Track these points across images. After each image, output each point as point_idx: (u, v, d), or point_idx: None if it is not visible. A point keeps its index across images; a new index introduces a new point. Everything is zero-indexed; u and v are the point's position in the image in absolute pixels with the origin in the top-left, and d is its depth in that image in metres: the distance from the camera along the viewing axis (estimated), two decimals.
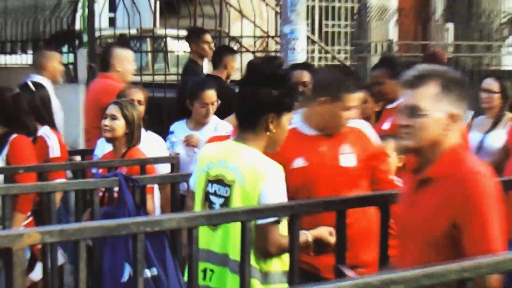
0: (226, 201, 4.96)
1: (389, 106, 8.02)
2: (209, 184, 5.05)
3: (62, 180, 7.39)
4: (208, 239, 4.93)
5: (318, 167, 5.60)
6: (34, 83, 8.22)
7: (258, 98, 4.96)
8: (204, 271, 4.94)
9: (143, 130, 7.45)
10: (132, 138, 7.16)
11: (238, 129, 5.21)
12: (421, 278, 3.53)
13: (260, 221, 4.80)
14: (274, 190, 4.90)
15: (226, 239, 4.91)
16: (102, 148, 7.61)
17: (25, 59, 14.87)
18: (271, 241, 4.80)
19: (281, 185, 4.95)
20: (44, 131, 7.80)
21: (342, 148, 5.78)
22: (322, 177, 5.53)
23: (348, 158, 5.77)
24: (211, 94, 8.05)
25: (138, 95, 8.17)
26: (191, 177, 5.37)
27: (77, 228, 4.56)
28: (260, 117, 4.97)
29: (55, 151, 7.75)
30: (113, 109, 7.15)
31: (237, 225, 4.77)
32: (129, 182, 6.46)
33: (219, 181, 5.01)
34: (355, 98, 5.76)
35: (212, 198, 5.03)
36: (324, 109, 5.70)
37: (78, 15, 14.52)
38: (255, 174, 4.90)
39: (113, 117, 7.08)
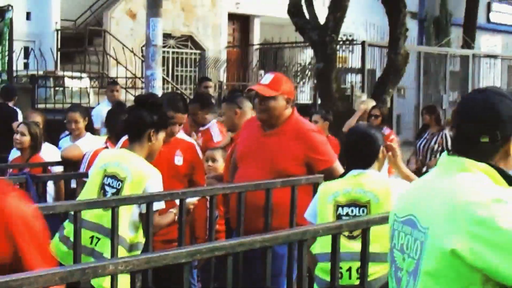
0: (117, 192, 4.74)
1: (201, 129, 7.76)
2: (105, 178, 4.80)
3: None
4: (100, 216, 4.65)
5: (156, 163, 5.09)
6: None
7: (144, 119, 4.85)
8: (92, 237, 4.65)
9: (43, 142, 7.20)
10: (35, 148, 7.02)
11: (128, 142, 5.01)
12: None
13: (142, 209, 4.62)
14: (155, 187, 4.74)
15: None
16: (14, 155, 7.35)
17: None
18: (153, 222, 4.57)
19: (159, 183, 4.78)
20: None
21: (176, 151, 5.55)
22: (160, 169, 4.98)
23: (178, 159, 5.54)
24: (71, 116, 7.49)
25: (38, 117, 8.02)
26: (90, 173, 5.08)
27: None
28: (144, 132, 4.85)
29: None
30: (22, 128, 7.09)
31: (126, 208, 4.59)
32: (34, 179, 6.28)
33: (114, 176, 4.78)
34: (180, 117, 5.53)
35: (107, 188, 4.78)
36: None
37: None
38: (141, 175, 4.72)
39: (22, 134, 6.99)
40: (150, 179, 4.73)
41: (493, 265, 2.31)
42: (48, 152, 7.18)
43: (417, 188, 2.74)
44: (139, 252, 4.58)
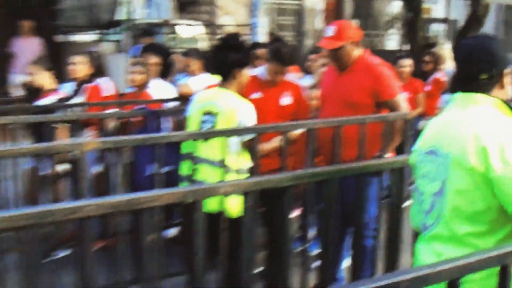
0: (213, 126, 4.77)
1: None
2: (203, 115, 4.83)
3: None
4: (200, 149, 4.69)
5: (266, 104, 5.32)
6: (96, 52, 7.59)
7: (228, 59, 4.85)
8: (194, 169, 4.64)
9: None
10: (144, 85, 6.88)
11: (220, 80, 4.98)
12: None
13: (243, 138, 4.64)
14: (247, 118, 4.72)
15: (213, 149, 4.67)
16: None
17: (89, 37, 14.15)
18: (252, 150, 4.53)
19: (250, 114, 4.76)
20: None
21: (283, 93, 5.60)
22: (269, 109, 5.20)
23: (285, 99, 5.60)
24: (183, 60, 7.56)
25: (155, 59, 7.80)
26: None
27: (118, 141, 4.60)
28: (230, 70, 4.85)
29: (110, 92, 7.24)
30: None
31: (220, 139, 4.57)
32: (152, 113, 6.31)
33: (209, 113, 4.81)
34: (281, 68, 5.59)
35: (203, 125, 4.81)
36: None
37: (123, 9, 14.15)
38: (233, 108, 4.74)
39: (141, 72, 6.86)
40: (241, 111, 4.73)
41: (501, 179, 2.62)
42: (157, 88, 7.14)
43: (436, 123, 2.98)
44: (244, 176, 4.66)
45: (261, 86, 5.61)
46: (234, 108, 4.74)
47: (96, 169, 6.51)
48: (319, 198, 4.11)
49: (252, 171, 4.48)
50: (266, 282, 5.08)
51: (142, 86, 6.94)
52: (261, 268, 4.95)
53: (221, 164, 4.55)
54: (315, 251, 5.00)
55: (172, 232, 6.61)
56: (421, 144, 3.03)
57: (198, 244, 3.40)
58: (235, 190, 3.47)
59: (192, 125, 4.87)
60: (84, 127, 6.55)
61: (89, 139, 5.72)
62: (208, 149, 4.65)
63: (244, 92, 5.01)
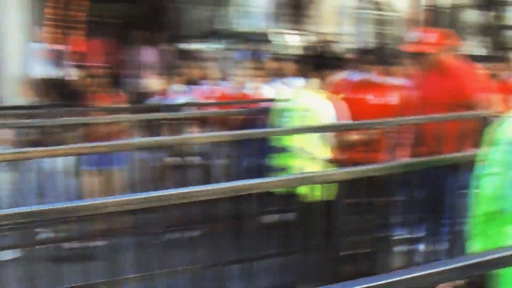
0: (302, 121, 5.18)
1: None
2: (296, 112, 5.31)
3: None
4: (295, 141, 5.02)
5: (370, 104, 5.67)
6: None
7: (318, 63, 5.39)
8: (289, 159, 5.02)
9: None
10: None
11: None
12: None
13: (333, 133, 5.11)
14: (328, 115, 5.14)
15: (305, 141, 5.00)
16: None
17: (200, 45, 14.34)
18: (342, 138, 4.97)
19: (331, 112, 5.16)
20: None
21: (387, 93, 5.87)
22: (374, 109, 5.56)
23: (390, 99, 5.85)
24: None
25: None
26: None
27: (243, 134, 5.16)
28: (321, 73, 5.34)
29: None
30: None
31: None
32: None
33: (302, 110, 5.24)
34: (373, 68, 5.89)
35: (295, 120, 5.26)
36: None
37: None
38: (319, 106, 5.20)
39: None
40: (326, 109, 5.10)
41: None
42: (267, 89, 7.59)
43: None
44: (330, 165, 5.00)
45: (370, 87, 5.87)
46: (320, 106, 5.12)
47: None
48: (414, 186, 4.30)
49: (339, 162, 4.78)
50: (367, 264, 5.24)
51: (252, 87, 7.49)
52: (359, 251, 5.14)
53: (312, 155, 4.94)
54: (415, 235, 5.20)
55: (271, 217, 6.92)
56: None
57: (312, 228, 3.71)
58: (336, 178, 3.69)
59: (288, 121, 5.24)
60: (203, 125, 6.97)
61: (218, 133, 6.03)
62: (301, 142, 5.02)
63: (353, 93, 5.46)
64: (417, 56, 5.49)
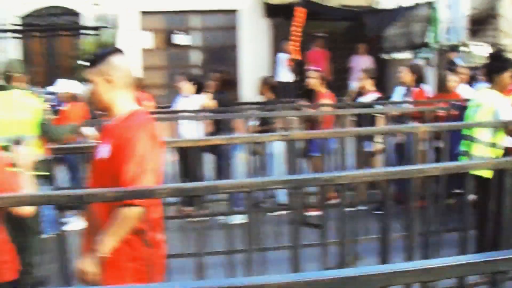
0: (479, 114, 5.53)
1: None
2: (474, 108, 5.64)
3: None
4: (475, 131, 5.48)
5: None
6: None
7: (491, 67, 5.65)
8: (470, 147, 5.46)
9: None
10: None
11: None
12: None
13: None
14: (503, 110, 5.40)
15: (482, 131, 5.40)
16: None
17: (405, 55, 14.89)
18: None
19: (506, 108, 5.43)
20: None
21: None
22: None
23: None
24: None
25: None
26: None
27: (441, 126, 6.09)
28: (493, 76, 5.57)
29: None
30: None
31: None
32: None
33: (479, 106, 5.58)
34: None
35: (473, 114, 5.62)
36: None
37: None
38: (493, 102, 5.49)
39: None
40: (498, 104, 5.42)
41: None
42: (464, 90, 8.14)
43: None
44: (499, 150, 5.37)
45: None
46: (493, 102, 5.49)
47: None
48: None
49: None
50: None
51: (454, 88, 8.09)
52: None
53: (489, 143, 5.39)
54: None
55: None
56: None
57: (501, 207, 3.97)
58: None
59: (475, 115, 5.62)
60: (412, 120, 7.55)
61: (420, 125, 6.24)
62: (480, 132, 5.44)
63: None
64: None
